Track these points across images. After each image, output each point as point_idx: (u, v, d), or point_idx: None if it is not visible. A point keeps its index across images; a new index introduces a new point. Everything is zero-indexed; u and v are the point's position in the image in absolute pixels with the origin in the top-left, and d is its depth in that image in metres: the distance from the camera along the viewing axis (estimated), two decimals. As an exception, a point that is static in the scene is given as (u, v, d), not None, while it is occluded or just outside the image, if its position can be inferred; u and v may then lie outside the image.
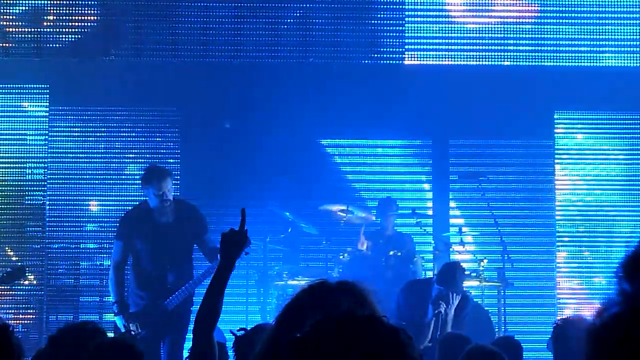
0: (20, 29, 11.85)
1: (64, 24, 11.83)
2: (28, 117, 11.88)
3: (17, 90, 11.88)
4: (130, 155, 11.92)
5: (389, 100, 11.78)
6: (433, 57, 12.18)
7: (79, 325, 4.64)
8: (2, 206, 11.69)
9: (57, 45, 11.83)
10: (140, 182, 8.96)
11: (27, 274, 10.53)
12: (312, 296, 3.07)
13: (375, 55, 12.10)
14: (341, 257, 10.70)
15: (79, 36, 11.79)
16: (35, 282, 11.53)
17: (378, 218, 11.21)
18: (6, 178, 11.70)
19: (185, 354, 4.94)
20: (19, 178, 11.79)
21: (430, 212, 11.96)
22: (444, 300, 8.41)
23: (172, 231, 8.70)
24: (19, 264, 10.76)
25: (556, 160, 12.19)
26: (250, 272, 10.97)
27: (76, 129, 11.84)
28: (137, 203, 9.23)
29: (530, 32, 12.14)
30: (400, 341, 2.24)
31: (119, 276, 8.79)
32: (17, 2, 11.74)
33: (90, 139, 11.83)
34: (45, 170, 11.82)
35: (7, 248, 10.60)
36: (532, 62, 12.17)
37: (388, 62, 12.12)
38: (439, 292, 8.45)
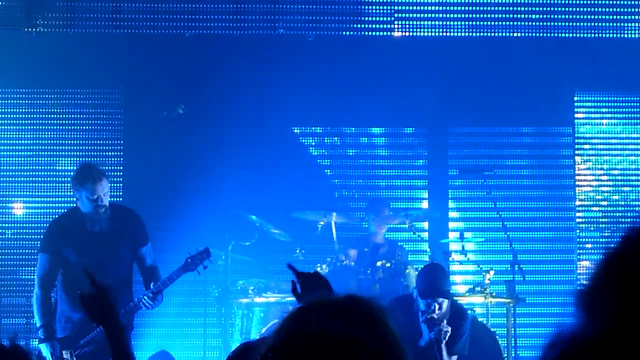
0: None
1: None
2: None
3: None
4: (62, 148, 11.42)
5: (375, 80, 11.48)
6: (428, 28, 11.74)
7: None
8: None
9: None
10: (71, 182, 8.55)
11: None
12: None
13: (359, 25, 11.69)
14: (319, 269, 10.03)
15: (-3, 3, 11.45)
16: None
17: (365, 222, 10.89)
18: None
19: None
20: None
21: (425, 212, 11.68)
22: (437, 315, 7.84)
23: (107, 242, 8.31)
24: None
25: (576, 152, 11.83)
26: (209, 288, 10.50)
27: (-6, 116, 11.58)
28: (68, 208, 8.90)
29: (544, -4, 11.85)
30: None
31: (45, 296, 8.37)
32: None
33: (12, 127, 11.39)
34: (-46, 166, 11.63)
35: None
36: (547, 33, 11.72)
37: (374, 33, 11.71)
38: (427, 305, 7.87)
